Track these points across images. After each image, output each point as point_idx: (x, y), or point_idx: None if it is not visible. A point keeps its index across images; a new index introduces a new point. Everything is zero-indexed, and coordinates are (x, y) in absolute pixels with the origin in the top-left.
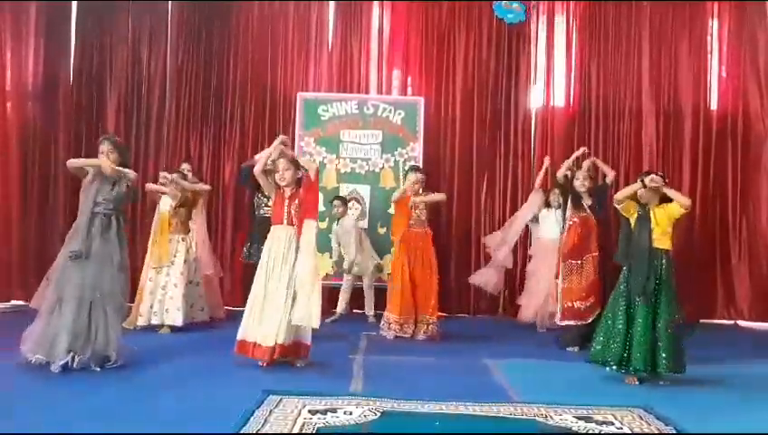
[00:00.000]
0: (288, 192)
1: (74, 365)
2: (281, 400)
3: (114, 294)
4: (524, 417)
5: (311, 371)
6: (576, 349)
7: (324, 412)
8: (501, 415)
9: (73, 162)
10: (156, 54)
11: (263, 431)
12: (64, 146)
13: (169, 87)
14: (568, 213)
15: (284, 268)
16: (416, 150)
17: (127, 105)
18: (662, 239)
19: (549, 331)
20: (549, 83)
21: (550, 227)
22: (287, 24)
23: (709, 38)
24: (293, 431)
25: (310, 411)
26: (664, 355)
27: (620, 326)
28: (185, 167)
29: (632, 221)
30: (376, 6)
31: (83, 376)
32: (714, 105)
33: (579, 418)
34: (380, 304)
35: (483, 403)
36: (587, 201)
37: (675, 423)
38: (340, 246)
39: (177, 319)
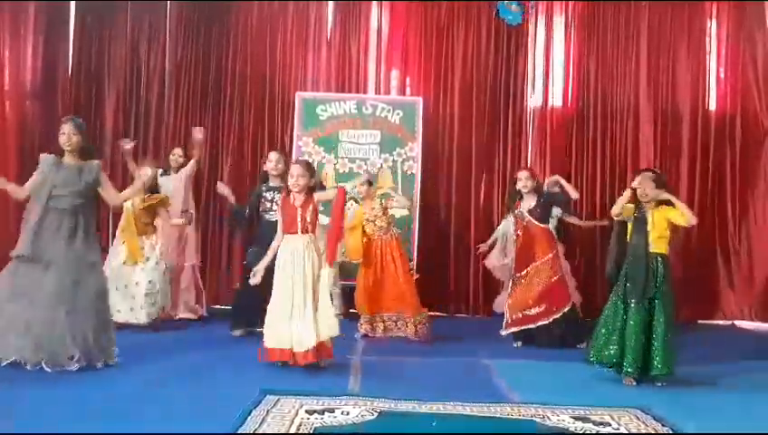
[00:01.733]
0: (299, 200)
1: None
2: (278, 400)
3: (81, 297)
4: (522, 417)
5: (308, 371)
6: (519, 344)
7: (322, 412)
8: (498, 415)
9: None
10: (154, 53)
11: (260, 431)
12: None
13: (168, 85)
14: (510, 229)
15: (306, 277)
16: (414, 150)
17: (125, 103)
18: (658, 243)
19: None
20: (547, 83)
21: None
22: (286, 23)
23: (707, 39)
24: (291, 431)
25: (307, 411)
26: (657, 359)
27: (618, 329)
28: (178, 151)
29: (629, 225)
30: (375, 6)
31: (78, 377)
32: (712, 106)
33: (576, 418)
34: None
35: (480, 403)
36: (530, 202)
37: (672, 424)
38: None
39: (139, 318)
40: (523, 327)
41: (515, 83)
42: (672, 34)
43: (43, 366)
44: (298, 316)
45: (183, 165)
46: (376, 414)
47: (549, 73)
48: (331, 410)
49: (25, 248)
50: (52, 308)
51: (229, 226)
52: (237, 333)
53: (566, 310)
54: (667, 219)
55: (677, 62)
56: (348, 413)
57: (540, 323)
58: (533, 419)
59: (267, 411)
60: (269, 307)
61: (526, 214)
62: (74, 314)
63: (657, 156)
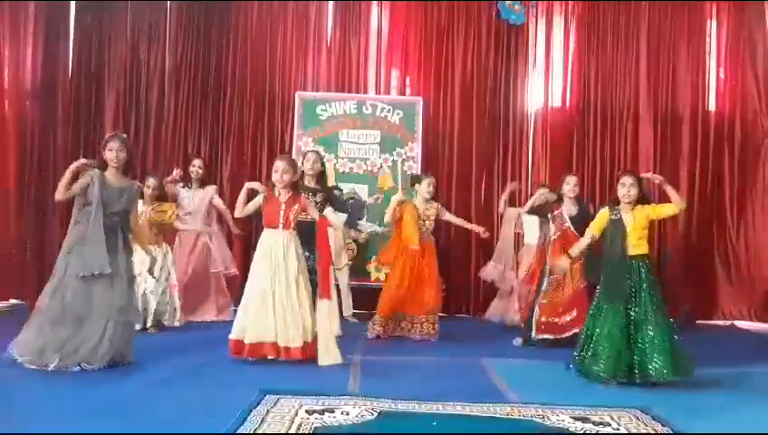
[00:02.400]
0: (284, 196)
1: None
2: (278, 399)
3: (123, 309)
4: (522, 417)
5: (308, 370)
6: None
7: (321, 412)
8: (498, 415)
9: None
10: (154, 53)
11: (260, 431)
12: (62, 144)
13: (168, 86)
14: (551, 227)
15: (289, 271)
16: (414, 150)
17: (125, 103)
18: (639, 245)
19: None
20: (547, 84)
21: (531, 231)
22: (286, 23)
23: (707, 39)
24: (290, 431)
25: (307, 411)
26: (661, 359)
27: (605, 335)
28: (197, 163)
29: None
30: (375, 6)
31: (79, 376)
32: (712, 106)
33: (576, 418)
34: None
35: (480, 404)
36: (572, 210)
37: (672, 424)
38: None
39: (147, 320)
40: (556, 336)
41: (515, 84)
42: (672, 35)
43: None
44: (282, 311)
45: (203, 178)
46: (376, 414)
47: (549, 73)
48: (331, 410)
49: (100, 266)
50: (97, 325)
51: None
52: None
53: None
54: (648, 218)
55: (677, 63)
56: (348, 413)
57: (573, 332)
58: (533, 419)
59: (267, 411)
60: (243, 301)
61: (567, 219)
62: (115, 326)
63: (656, 156)
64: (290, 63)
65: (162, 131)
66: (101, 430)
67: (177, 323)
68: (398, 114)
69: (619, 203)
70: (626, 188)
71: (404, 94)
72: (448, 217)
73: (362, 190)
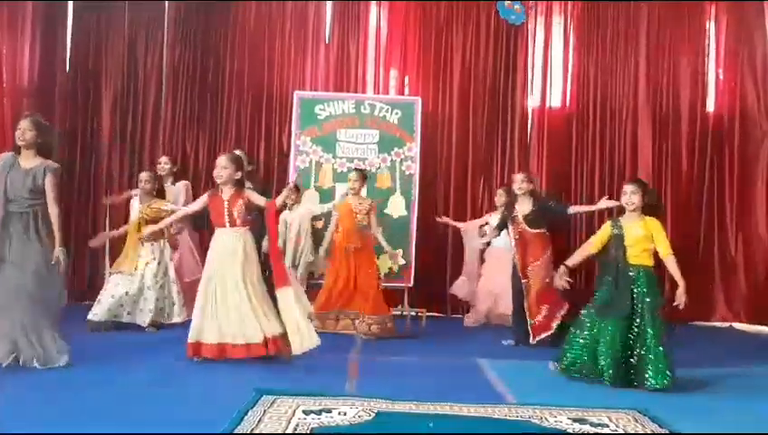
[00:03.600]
0: (227, 193)
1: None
2: (275, 400)
3: (39, 296)
4: (519, 418)
5: (305, 371)
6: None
7: (319, 413)
8: (495, 416)
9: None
10: (152, 51)
11: (257, 431)
12: (59, 142)
13: (165, 84)
14: (510, 232)
15: (235, 270)
16: (413, 150)
17: (123, 102)
18: (641, 256)
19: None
20: (546, 83)
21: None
22: (284, 22)
23: (706, 39)
24: (287, 432)
25: (304, 412)
26: (650, 371)
27: (593, 339)
28: (163, 160)
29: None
30: (373, 6)
31: (76, 376)
32: (711, 107)
33: (574, 419)
34: None
35: (477, 404)
36: (525, 207)
37: (669, 426)
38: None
39: (144, 320)
40: (549, 333)
41: (514, 83)
42: (671, 35)
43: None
44: (227, 311)
45: (171, 173)
46: (373, 414)
47: (548, 73)
48: (329, 411)
49: None
50: (7, 310)
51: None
52: None
53: (564, 313)
54: (652, 233)
55: (677, 63)
56: (345, 414)
57: (552, 331)
58: (531, 420)
59: (264, 412)
60: (196, 302)
61: (521, 217)
62: (29, 315)
63: (655, 157)
64: (288, 63)
65: (160, 131)
66: (97, 430)
67: (177, 320)
68: (396, 114)
69: (623, 213)
70: (627, 196)
71: (402, 94)
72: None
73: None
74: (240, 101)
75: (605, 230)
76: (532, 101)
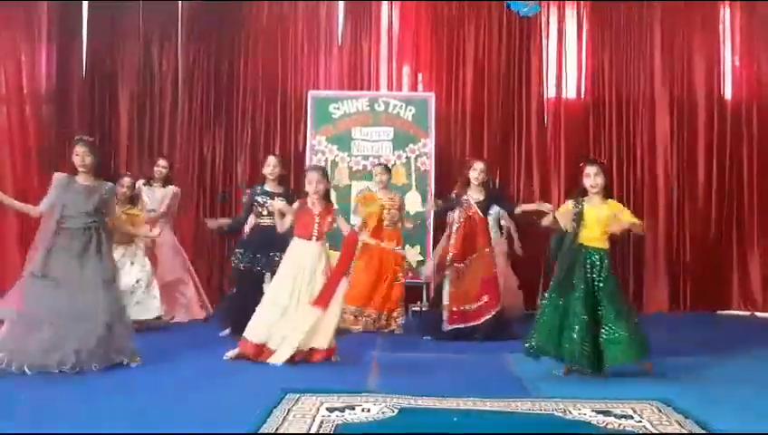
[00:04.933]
0: (318, 208)
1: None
2: (299, 398)
3: (104, 310)
4: (543, 412)
5: (327, 368)
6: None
7: (342, 410)
8: (519, 410)
9: None
10: (167, 54)
11: (281, 430)
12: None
13: (181, 86)
14: (455, 215)
15: (311, 284)
16: (427, 146)
17: (139, 105)
18: (600, 239)
19: None
20: (560, 76)
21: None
22: (297, 22)
23: (721, 27)
24: (312, 430)
25: (328, 409)
26: (612, 349)
27: (556, 320)
28: (162, 163)
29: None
30: (385, 4)
31: (96, 378)
32: (728, 94)
33: (597, 411)
34: None
35: (500, 399)
36: (478, 195)
37: (695, 416)
38: None
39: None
40: (468, 324)
41: (528, 77)
42: (685, 23)
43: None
44: (291, 316)
45: (167, 177)
46: (396, 411)
47: (562, 66)
48: (352, 408)
49: (37, 268)
50: (65, 326)
51: (227, 234)
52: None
53: (498, 309)
54: (615, 217)
55: (692, 51)
56: (369, 410)
57: (484, 320)
58: (554, 413)
59: (288, 410)
60: (263, 301)
61: (474, 203)
62: (87, 331)
63: (672, 145)
64: (301, 62)
65: (176, 132)
66: (123, 430)
67: (155, 315)
68: (410, 110)
69: (585, 195)
70: (591, 178)
71: (416, 90)
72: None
73: (375, 187)
74: (255, 101)
75: (567, 207)
76: (547, 94)
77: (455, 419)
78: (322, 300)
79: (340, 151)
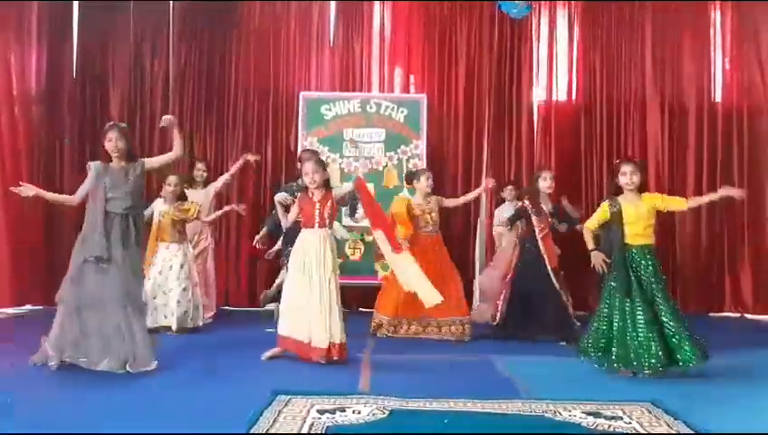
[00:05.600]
0: (318, 195)
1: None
2: (289, 399)
3: (137, 299)
4: (533, 413)
5: (318, 370)
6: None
7: (333, 411)
8: (509, 412)
9: None
10: (158, 54)
11: (272, 431)
12: (69, 148)
13: (172, 87)
14: (535, 225)
15: (321, 271)
16: (419, 148)
17: (130, 105)
18: (644, 235)
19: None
20: (551, 78)
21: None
22: (289, 23)
23: (712, 30)
24: (303, 431)
25: (318, 411)
26: (687, 345)
27: (605, 324)
28: (201, 166)
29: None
30: (377, 5)
31: (92, 377)
32: (718, 97)
33: (587, 413)
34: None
35: (491, 400)
36: (547, 206)
37: (684, 417)
38: None
39: (171, 323)
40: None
41: (519, 78)
42: (677, 27)
43: (109, 368)
44: (313, 311)
45: (207, 179)
46: (387, 413)
47: (553, 67)
48: (343, 410)
49: (101, 250)
50: (116, 312)
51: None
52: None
53: None
54: (655, 208)
55: (683, 54)
56: (359, 412)
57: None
58: (545, 414)
59: (279, 412)
60: (283, 297)
61: (547, 212)
62: (130, 317)
63: (664, 148)
64: (293, 63)
65: (168, 133)
66: (112, 430)
67: (200, 323)
68: (402, 112)
69: (619, 193)
70: (627, 176)
71: (408, 92)
72: (449, 202)
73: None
74: (246, 102)
75: (604, 209)
76: (539, 96)
77: (445, 420)
78: (396, 247)
79: (332, 153)
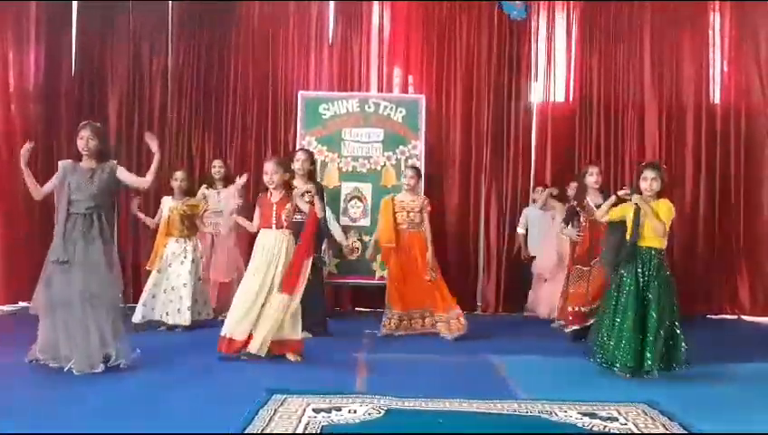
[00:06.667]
0: (276, 196)
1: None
2: (285, 399)
3: (103, 296)
4: (529, 414)
5: (314, 369)
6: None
7: (329, 411)
8: (505, 412)
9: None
10: (157, 53)
11: (267, 431)
12: (66, 146)
13: (171, 86)
14: (581, 220)
15: (270, 272)
16: (417, 148)
17: (128, 104)
18: (654, 237)
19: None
20: (549, 79)
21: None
22: (288, 22)
23: (711, 32)
24: (298, 431)
25: (314, 410)
26: (648, 354)
27: (618, 324)
28: (218, 163)
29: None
30: (376, 5)
31: (86, 376)
32: (716, 99)
33: (583, 414)
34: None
35: (487, 400)
36: (597, 199)
37: (680, 419)
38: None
39: (186, 319)
40: (585, 325)
41: (518, 79)
42: (675, 28)
43: (78, 369)
44: (259, 311)
45: (227, 176)
46: (383, 412)
47: (551, 68)
48: (338, 409)
49: (59, 253)
50: (82, 311)
51: None
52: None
53: None
54: (658, 212)
55: (681, 56)
56: (355, 411)
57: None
58: (540, 415)
59: (274, 411)
60: (235, 298)
61: (593, 207)
62: (98, 317)
63: (661, 149)
64: (292, 63)
65: (166, 132)
66: (107, 430)
67: (206, 316)
68: (400, 112)
69: (640, 195)
70: (648, 181)
71: (406, 92)
72: (426, 224)
73: (366, 189)
74: (245, 101)
75: (627, 207)
76: (537, 97)
77: (440, 420)
78: (286, 286)
79: (330, 152)
